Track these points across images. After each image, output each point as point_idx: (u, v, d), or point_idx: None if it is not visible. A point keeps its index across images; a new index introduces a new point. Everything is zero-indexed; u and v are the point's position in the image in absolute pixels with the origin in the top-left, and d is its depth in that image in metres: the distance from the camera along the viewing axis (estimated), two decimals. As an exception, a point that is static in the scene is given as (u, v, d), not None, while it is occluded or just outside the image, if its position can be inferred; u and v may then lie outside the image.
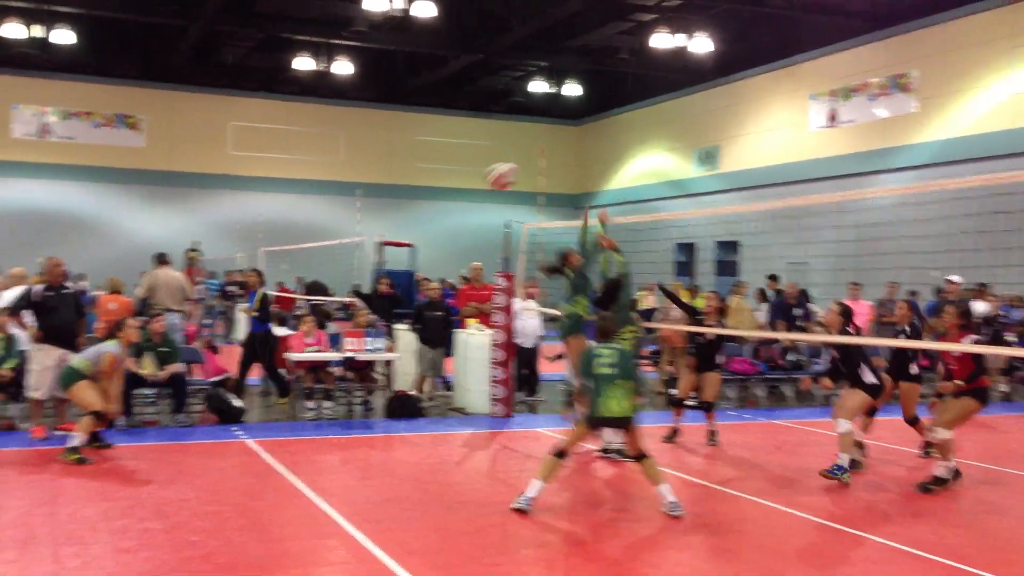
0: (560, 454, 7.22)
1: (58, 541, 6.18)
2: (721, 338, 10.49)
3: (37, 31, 23.12)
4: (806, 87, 23.47)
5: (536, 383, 13.32)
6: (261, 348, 11.71)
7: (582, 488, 8.40)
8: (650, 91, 29.41)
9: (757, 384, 13.82)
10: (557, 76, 28.86)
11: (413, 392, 12.29)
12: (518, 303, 12.66)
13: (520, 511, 7.05)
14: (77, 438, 8.54)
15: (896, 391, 9.47)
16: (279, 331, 12.59)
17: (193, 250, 20.19)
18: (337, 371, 11.78)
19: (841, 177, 21.29)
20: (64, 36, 23.53)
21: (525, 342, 12.92)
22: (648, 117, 30.17)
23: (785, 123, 24.17)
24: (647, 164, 30.17)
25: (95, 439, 8.90)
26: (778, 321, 14.45)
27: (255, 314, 11.90)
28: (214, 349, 12.21)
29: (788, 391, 14.26)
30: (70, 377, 8.79)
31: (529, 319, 13.04)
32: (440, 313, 12.82)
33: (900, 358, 9.37)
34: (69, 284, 10.12)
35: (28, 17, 22.77)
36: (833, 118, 22.72)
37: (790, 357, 13.90)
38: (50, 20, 23.21)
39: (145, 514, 6.90)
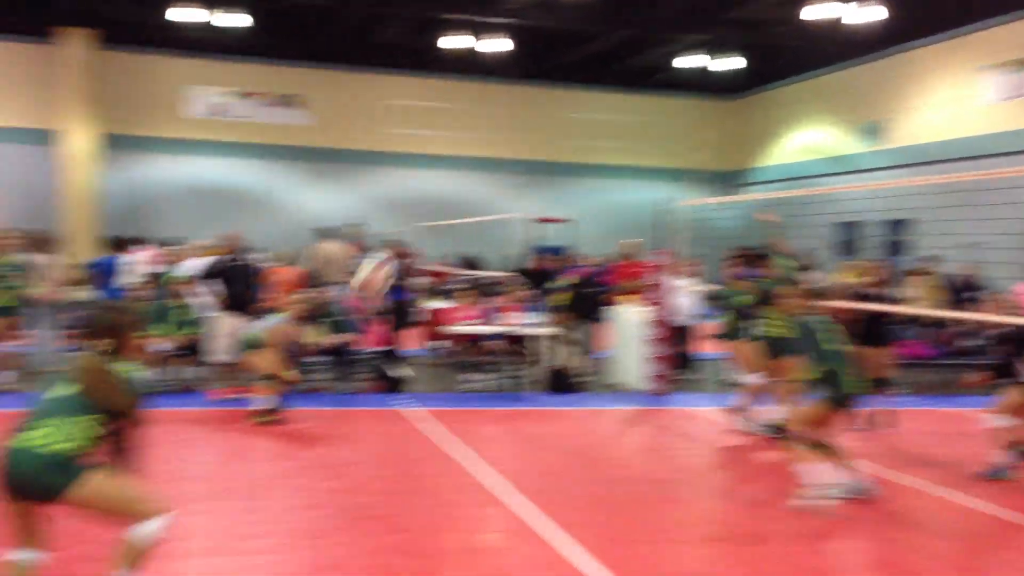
0: (815, 443, 6.67)
1: (243, 496, 6.59)
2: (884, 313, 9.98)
3: (214, 15, 24.34)
4: (979, 58, 22.11)
5: (691, 362, 13.20)
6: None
7: (747, 469, 8.30)
8: (810, 64, 28.36)
9: (932, 369, 13.27)
10: (712, 50, 28.18)
11: (567, 367, 12.39)
12: (675, 280, 12.55)
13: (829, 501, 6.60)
14: (265, 401, 9.07)
15: None
16: (434, 304, 12.91)
17: (354, 225, 20.88)
18: (495, 344, 12.00)
19: (1019, 152, 20.02)
20: (239, 19, 24.68)
21: (680, 320, 12.82)
22: (808, 91, 29.13)
23: (957, 95, 22.87)
24: (806, 139, 29.18)
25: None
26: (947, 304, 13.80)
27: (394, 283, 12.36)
28: (380, 320, 12.61)
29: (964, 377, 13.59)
30: (248, 344, 9.35)
31: (685, 297, 12.92)
32: (593, 289, 12.85)
33: None
34: (247, 257, 10.70)
35: (206, 1, 24.00)
36: (1009, 90, 21.37)
37: (967, 343, 13.26)
38: (226, 4, 24.38)
39: (320, 475, 7.26)
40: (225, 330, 10.07)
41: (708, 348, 13.92)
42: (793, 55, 28.73)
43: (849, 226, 26.90)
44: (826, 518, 6.51)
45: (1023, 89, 21.20)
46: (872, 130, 26.11)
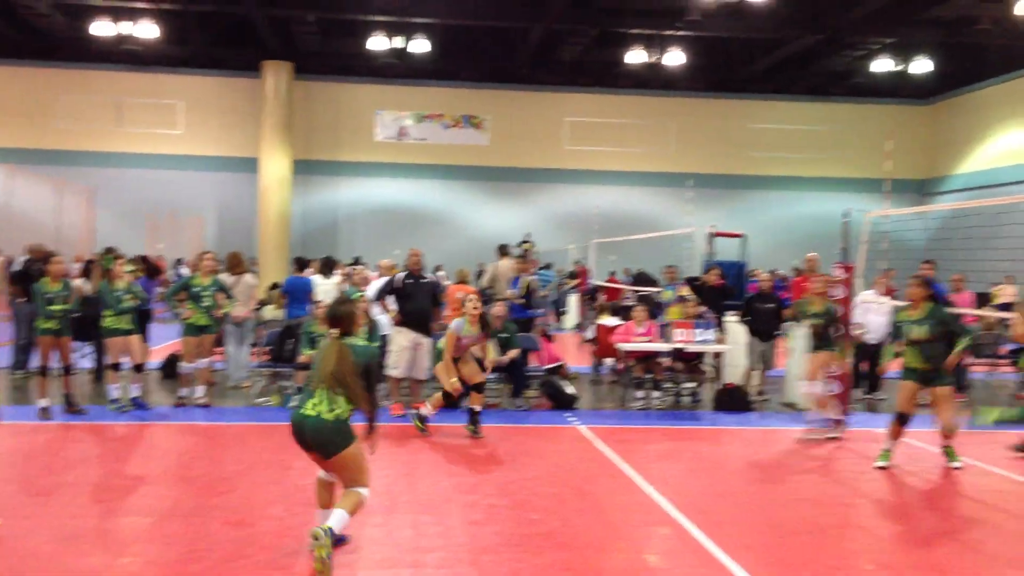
0: None
1: (417, 510, 6.82)
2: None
3: (397, 42, 25.41)
4: None
5: (877, 381, 12.59)
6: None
7: (931, 497, 7.86)
8: (1015, 63, 26.55)
9: None
10: (905, 52, 26.85)
11: (742, 385, 12.10)
12: (864, 296, 12.05)
13: None
14: (425, 410, 9.62)
15: None
16: (609, 321, 12.92)
17: (526, 242, 21.21)
18: (666, 362, 11.89)
19: None
20: (419, 45, 25.65)
21: (869, 338, 12.28)
22: (1012, 92, 27.28)
23: None
24: (1009, 144, 27.30)
25: (471, 419, 9.62)
26: None
27: (520, 301, 12.49)
28: (548, 337, 12.77)
29: None
30: (435, 358, 9.88)
31: (875, 314, 12.36)
32: (771, 305, 12.50)
33: None
34: (427, 274, 11.05)
35: (391, 29, 25.10)
36: None
37: None
38: (409, 31, 25.41)
39: (491, 490, 7.42)
40: (404, 344, 10.44)
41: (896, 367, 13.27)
42: (994, 55, 26.99)
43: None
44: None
45: None
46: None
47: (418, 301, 10.54)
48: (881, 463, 8.60)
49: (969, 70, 28.54)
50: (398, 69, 28.70)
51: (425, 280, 10.81)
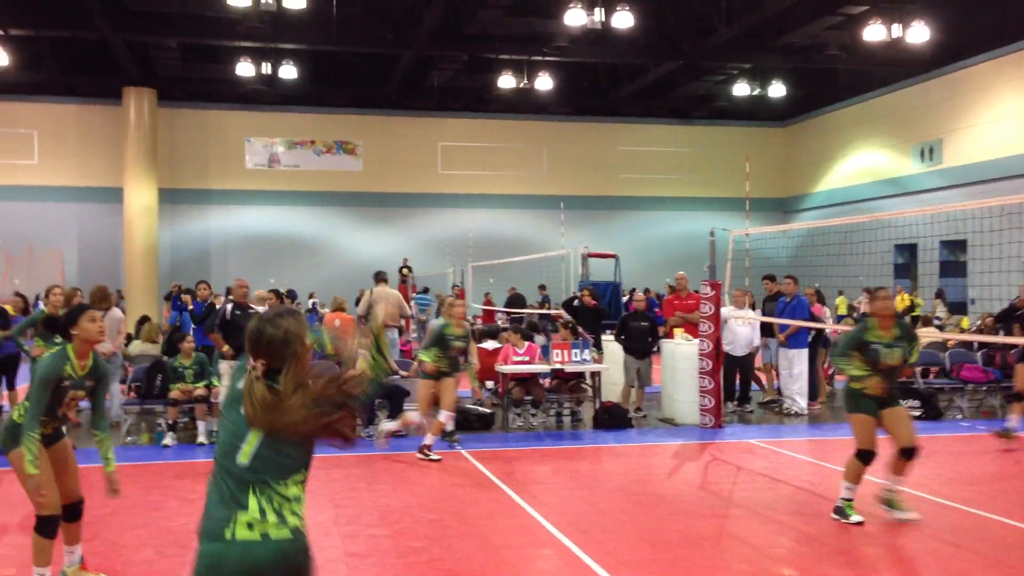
0: None
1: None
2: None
3: (265, 68, 24.99)
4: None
5: (748, 393, 13.04)
6: None
7: (804, 502, 8.14)
8: (862, 86, 28.10)
9: (991, 393, 12.93)
10: (762, 77, 28.09)
11: (620, 403, 12.32)
12: (728, 311, 12.46)
13: None
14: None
15: None
16: (487, 345, 12.94)
17: (405, 267, 21.14)
18: (546, 382, 12.00)
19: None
20: (287, 71, 25.30)
21: (736, 351, 12.71)
22: (861, 113, 28.83)
23: (1015, 111, 22.42)
24: (861, 163, 28.82)
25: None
26: (1014, 325, 13.40)
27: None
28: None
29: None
30: None
31: (740, 327, 12.81)
32: (645, 323, 12.79)
33: None
34: (254, 306, 10.81)
35: (257, 56, 24.67)
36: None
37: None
38: (276, 57, 25.03)
39: (371, 520, 7.30)
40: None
41: (765, 378, 13.77)
42: (845, 78, 28.52)
43: (905, 249, 26.44)
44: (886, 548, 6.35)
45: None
46: (927, 151, 25.69)
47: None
48: (856, 519, 7.09)
49: (821, 93, 30.05)
50: (267, 95, 28.22)
51: (252, 311, 10.59)
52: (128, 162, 27.34)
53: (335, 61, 27.39)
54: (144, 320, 14.83)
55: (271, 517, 2.95)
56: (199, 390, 10.57)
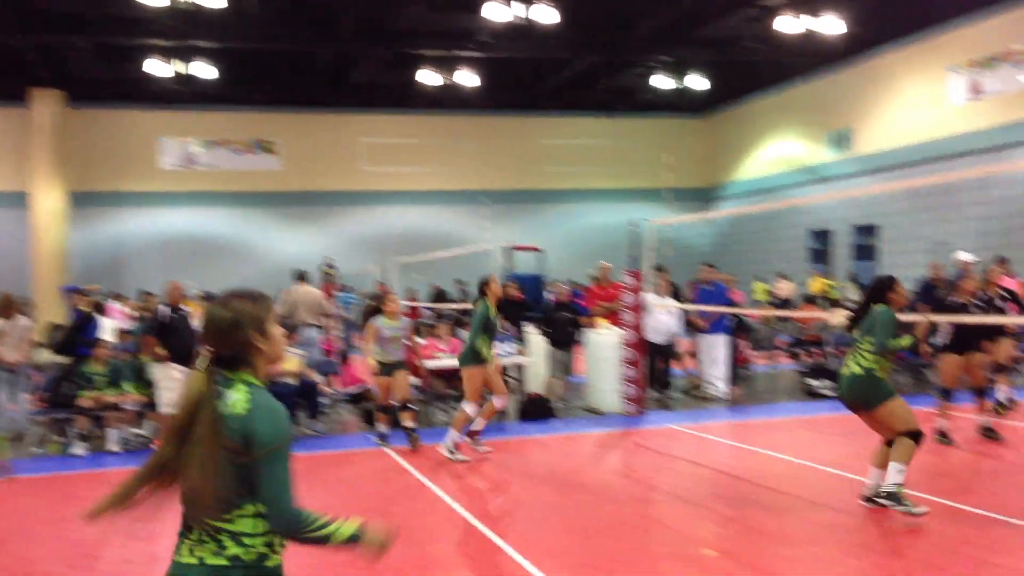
0: None
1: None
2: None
3: (178, 67, 24.42)
4: (944, 60, 22.34)
5: (669, 380, 13.19)
6: None
7: (728, 486, 8.25)
8: (778, 77, 28.63)
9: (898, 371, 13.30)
10: (681, 70, 28.43)
11: (544, 394, 12.35)
12: (650, 299, 12.58)
13: None
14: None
15: None
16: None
17: (328, 266, 20.88)
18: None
19: (986, 151, 20.18)
20: (203, 70, 24.77)
21: (657, 338, 12.84)
22: (777, 104, 29.39)
23: (923, 99, 23.09)
24: (778, 152, 29.39)
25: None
26: (920, 304, 13.81)
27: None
28: (350, 360, 12.58)
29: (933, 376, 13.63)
30: None
31: (662, 315, 12.94)
32: (568, 314, 12.85)
33: None
34: (183, 307, 10.57)
35: (169, 54, 24.08)
36: (975, 90, 21.56)
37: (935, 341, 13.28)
38: (189, 55, 24.46)
39: (290, 521, 7.17)
40: (177, 380, 9.90)
41: (687, 365, 13.96)
42: (762, 70, 29.02)
43: (820, 234, 27.08)
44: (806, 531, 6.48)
45: (988, 88, 21.41)
46: (839, 138, 26.33)
47: (184, 335, 10.07)
48: (921, 510, 6.64)
49: (740, 85, 30.53)
50: (182, 95, 27.56)
51: (184, 312, 10.38)
52: (35, 166, 26.47)
53: (253, 59, 26.88)
54: (56, 328, 14.38)
55: (210, 544, 2.65)
56: (110, 397, 10.28)
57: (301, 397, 10.83)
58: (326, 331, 14.27)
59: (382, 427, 9.92)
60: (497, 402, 9.49)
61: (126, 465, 9.65)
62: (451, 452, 9.28)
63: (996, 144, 20.20)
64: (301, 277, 14.24)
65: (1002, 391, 11.08)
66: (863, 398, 6.79)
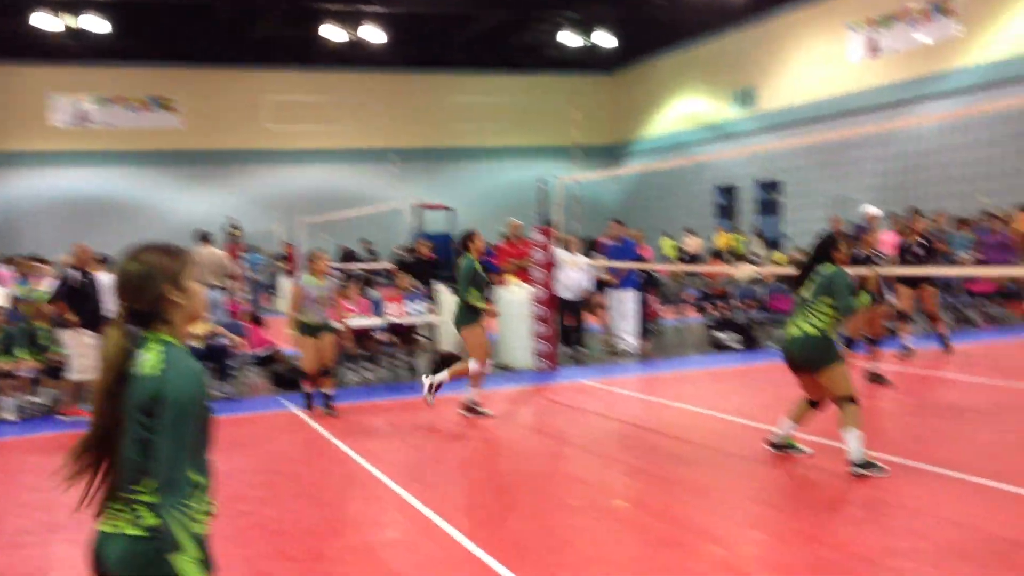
0: None
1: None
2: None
3: (68, 20, 23.33)
4: (843, 17, 22.85)
5: (581, 336, 13.29)
6: None
7: (637, 439, 8.37)
8: (685, 35, 28.88)
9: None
10: (589, 26, 28.42)
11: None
12: (561, 255, 12.62)
13: None
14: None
15: None
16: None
17: (233, 227, 20.40)
18: (381, 336, 11.86)
19: (884, 107, 20.76)
20: (94, 23, 23.71)
21: (568, 295, 12.91)
22: (683, 62, 29.68)
23: (823, 57, 23.60)
24: (685, 109, 29.74)
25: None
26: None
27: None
28: (258, 321, 12.33)
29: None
30: None
31: (573, 272, 13.00)
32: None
33: None
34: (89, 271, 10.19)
35: (58, 6, 22.97)
36: (873, 48, 22.11)
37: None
38: (79, 7, 23.37)
39: (198, 486, 7.01)
40: (89, 345, 9.59)
41: (597, 320, 14.10)
42: (668, 27, 29.18)
43: (725, 190, 27.59)
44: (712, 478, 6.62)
45: (885, 46, 21.96)
46: (743, 96, 26.74)
47: (94, 300, 9.74)
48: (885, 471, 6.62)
49: (646, 42, 30.69)
50: (73, 49, 26.37)
51: (93, 276, 10.02)
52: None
53: (148, 11, 25.85)
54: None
55: (128, 514, 2.51)
56: (3, 364, 9.87)
57: (209, 360, 10.57)
58: (231, 293, 13.95)
59: (307, 389, 9.68)
60: (472, 365, 9.38)
61: (22, 434, 9.30)
62: (475, 407, 9.23)
63: (893, 101, 20.80)
64: (204, 238, 13.85)
65: (905, 338, 11.58)
66: (813, 359, 6.69)
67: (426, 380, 9.25)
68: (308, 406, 9.66)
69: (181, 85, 29.20)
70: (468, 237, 9.32)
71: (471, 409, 9.26)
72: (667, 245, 25.46)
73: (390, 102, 31.49)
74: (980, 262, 14.23)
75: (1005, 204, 16.36)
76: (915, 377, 10.69)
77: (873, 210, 11.35)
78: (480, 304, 9.08)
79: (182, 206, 28.72)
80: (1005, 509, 5.78)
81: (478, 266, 9.16)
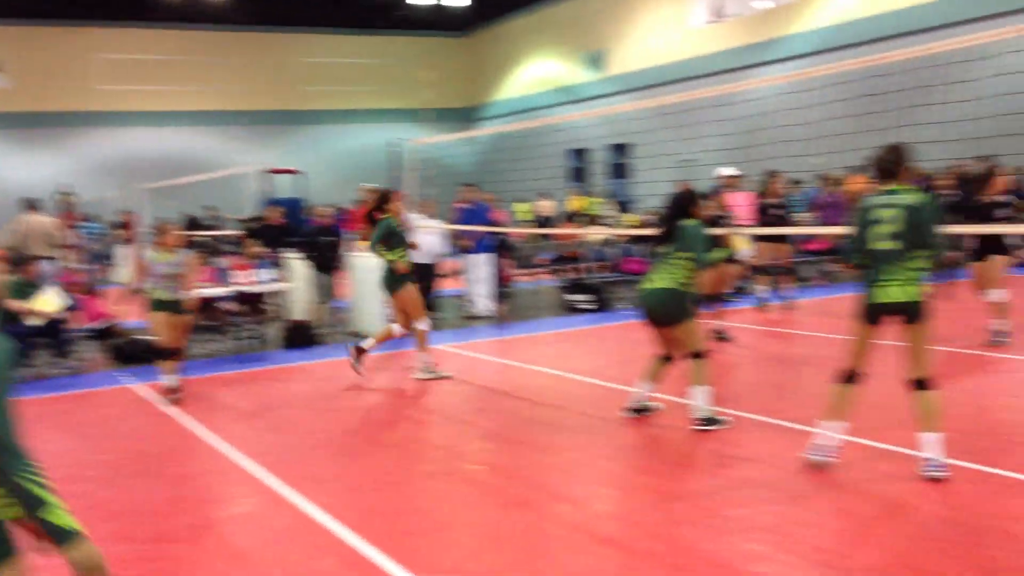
0: None
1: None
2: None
3: None
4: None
5: (433, 300, 13.21)
6: None
7: (494, 401, 8.39)
8: (538, -5, 28.94)
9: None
10: (439, -14, 28.10)
11: (308, 320, 12.05)
12: (414, 220, 12.46)
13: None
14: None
15: None
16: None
17: (66, 193, 19.23)
18: (228, 306, 11.44)
19: (726, 72, 21.40)
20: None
21: (421, 259, 12.78)
22: (535, 24, 29.74)
23: (668, 22, 24.09)
24: (537, 72, 29.85)
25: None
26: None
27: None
28: (94, 293, 11.71)
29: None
30: None
31: (426, 236, 12.87)
32: (331, 238, 12.54)
33: None
34: None
35: None
36: (716, 13, 22.72)
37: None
38: None
39: (27, 470, 6.60)
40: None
41: (450, 285, 14.06)
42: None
43: (577, 153, 27.94)
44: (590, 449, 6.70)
45: (728, 11, 22.58)
46: (594, 59, 27.05)
47: None
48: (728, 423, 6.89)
49: (498, 4, 30.59)
50: None
51: None
52: None
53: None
54: None
55: None
56: None
57: (43, 336, 9.97)
58: (62, 263, 13.16)
59: (165, 372, 8.96)
60: (396, 330, 9.16)
61: None
62: (430, 372, 9.09)
63: (734, 65, 21.47)
64: (32, 206, 12.99)
65: (760, 291, 12.23)
66: (670, 312, 6.78)
67: (351, 347, 9.07)
68: (172, 393, 8.88)
69: (6, 42, 27.23)
70: (384, 197, 9.12)
71: (429, 373, 9.14)
72: (521, 209, 25.61)
73: (235, 63, 30.31)
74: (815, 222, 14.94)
75: (835, 166, 17.16)
76: (759, 333, 11.14)
77: (729, 171, 11.69)
78: (403, 262, 9.02)
79: (8, 172, 26.90)
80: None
81: (395, 225, 9.04)
